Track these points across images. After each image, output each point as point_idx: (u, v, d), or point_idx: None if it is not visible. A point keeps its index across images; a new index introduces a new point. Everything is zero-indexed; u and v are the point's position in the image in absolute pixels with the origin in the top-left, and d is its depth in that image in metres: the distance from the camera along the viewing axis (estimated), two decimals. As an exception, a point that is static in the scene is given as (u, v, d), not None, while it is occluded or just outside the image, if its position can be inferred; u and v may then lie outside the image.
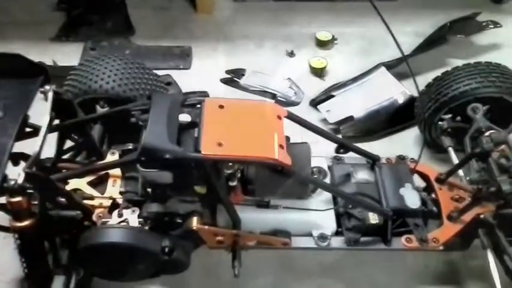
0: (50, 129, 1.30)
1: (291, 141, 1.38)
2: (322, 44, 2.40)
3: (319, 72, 2.25)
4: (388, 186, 1.47)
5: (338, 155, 1.55)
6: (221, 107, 1.29)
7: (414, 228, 1.42)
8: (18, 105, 1.32)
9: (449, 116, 1.75)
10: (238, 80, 2.19)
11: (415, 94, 2.00)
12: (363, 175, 1.51)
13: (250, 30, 2.48)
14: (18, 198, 1.11)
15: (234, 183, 1.32)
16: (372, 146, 1.99)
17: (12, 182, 1.10)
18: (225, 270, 1.37)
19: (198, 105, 1.31)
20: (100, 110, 1.56)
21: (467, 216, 1.45)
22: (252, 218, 1.35)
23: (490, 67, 1.75)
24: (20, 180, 1.10)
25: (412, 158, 1.59)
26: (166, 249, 1.25)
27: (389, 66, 2.18)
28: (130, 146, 1.48)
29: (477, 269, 1.60)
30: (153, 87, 1.68)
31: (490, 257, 1.44)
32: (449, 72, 1.78)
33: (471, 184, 1.54)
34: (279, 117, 1.31)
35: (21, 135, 1.29)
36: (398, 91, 2.05)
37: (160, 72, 2.16)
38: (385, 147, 1.99)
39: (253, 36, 2.45)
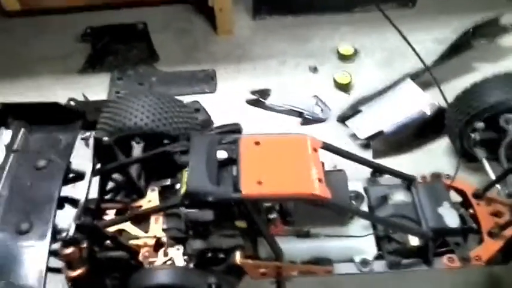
0: (94, 174, 1.34)
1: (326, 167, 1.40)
2: (344, 58, 2.41)
3: (344, 87, 2.26)
4: (426, 206, 1.47)
5: (373, 178, 1.56)
6: (257, 143, 1.31)
7: (455, 248, 1.42)
8: (61, 154, 1.36)
9: (482, 126, 1.74)
10: (263, 100, 2.21)
11: (443, 104, 2.00)
12: (399, 196, 1.51)
13: (271, 48, 2.50)
14: (71, 249, 1.15)
15: (273, 216, 1.35)
16: (403, 159, 2.00)
17: (64, 234, 1.15)
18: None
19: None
20: (137, 148, 1.60)
21: (509, 231, 1.44)
22: (294, 248, 1.37)
23: (519, 77, 1.74)
24: (72, 232, 1.15)
25: (447, 174, 1.59)
26: (213, 286, 1.28)
27: (415, 76, 2.17)
28: (168, 182, 1.52)
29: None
30: (184, 119, 1.71)
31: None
32: (478, 84, 1.77)
33: (509, 198, 1.54)
34: (315, 150, 1.32)
35: (66, 182, 1.34)
36: (425, 103, 2.05)
37: (187, 98, 2.22)
38: (416, 160, 1.99)
39: (275, 54, 2.46)
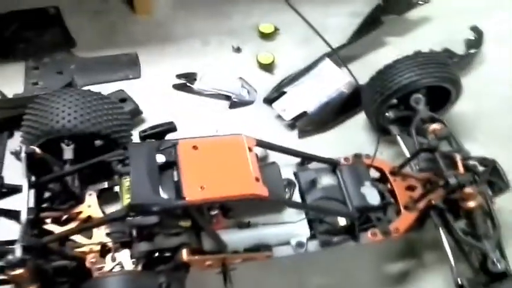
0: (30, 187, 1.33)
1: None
2: (265, 36, 2.46)
3: (267, 67, 2.33)
4: (350, 186, 1.63)
5: (301, 163, 1.68)
6: (195, 147, 1.36)
7: (377, 223, 1.60)
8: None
9: (395, 107, 1.91)
10: (190, 85, 2.23)
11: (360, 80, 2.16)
12: (326, 180, 1.65)
13: (194, 27, 2.49)
14: (19, 271, 1.16)
15: (215, 212, 1.42)
16: (327, 136, 2.14)
17: (11, 257, 1.15)
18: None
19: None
20: (68, 151, 1.58)
21: (421, 204, 1.64)
22: (236, 238, 1.46)
23: (427, 58, 1.91)
24: (19, 254, 1.15)
25: (367, 154, 1.75)
26: (164, 285, 1.34)
27: (335, 53, 2.29)
28: (106, 185, 1.54)
29: (430, 240, 1.82)
30: (114, 116, 1.70)
31: (442, 233, 1.66)
32: (390, 65, 1.92)
33: (421, 172, 1.73)
34: (250, 149, 1.40)
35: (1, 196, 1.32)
36: (343, 82, 2.18)
37: (110, 85, 2.19)
38: (340, 136, 2.14)
39: (198, 34, 2.46)
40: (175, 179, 1.32)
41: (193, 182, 1.29)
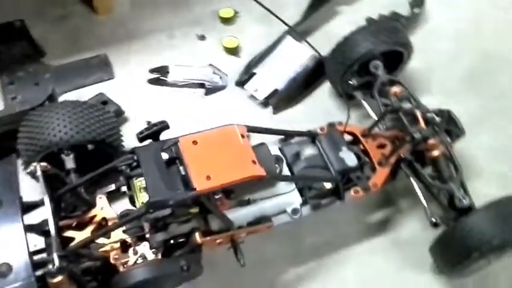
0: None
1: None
2: (226, 21, 2.58)
3: (233, 51, 2.46)
4: (330, 153, 1.83)
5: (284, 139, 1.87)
6: (194, 142, 1.52)
7: (357, 181, 1.82)
8: (8, 191, 1.44)
9: (356, 76, 2.11)
10: (165, 78, 2.34)
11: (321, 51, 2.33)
12: (308, 151, 1.85)
13: (156, 20, 2.57)
14: (59, 278, 1.30)
15: (219, 196, 1.60)
16: (300, 109, 2.32)
17: (50, 266, 1.29)
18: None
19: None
20: (69, 160, 1.71)
21: (392, 159, 1.87)
22: (239, 215, 1.65)
23: (379, 26, 2.11)
24: (57, 263, 1.29)
25: (339, 122, 1.96)
26: (185, 267, 1.52)
27: (293, 31, 2.45)
28: (113, 187, 1.67)
29: (402, 189, 2.05)
30: (104, 122, 1.83)
31: (413, 181, 1.90)
32: (348, 37, 2.10)
33: (388, 131, 1.95)
34: (243, 136, 1.57)
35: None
36: (307, 56, 2.36)
37: (87, 90, 2.28)
38: (311, 107, 2.33)
39: (162, 27, 2.54)
40: (183, 173, 1.48)
41: (199, 173, 1.45)
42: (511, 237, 1.61)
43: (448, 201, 1.84)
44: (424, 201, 1.87)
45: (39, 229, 1.50)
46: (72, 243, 1.48)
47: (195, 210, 1.57)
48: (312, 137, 1.88)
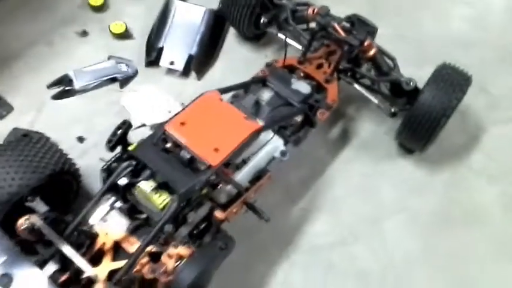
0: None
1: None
2: (99, 9, 2.37)
3: (125, 35, 2.29)
4: (284, 89, 1.87)
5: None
6: (182, 124, 1.43)
7: (318, 104, 1.90)
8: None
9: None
10: (71, 87, 2.10)
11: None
12: (265, 95, 1.86)
13: (26, 32, 2.27)
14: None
15: (219, 166, 1.54)
16: (221, 62, 2.29)
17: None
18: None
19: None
20: (39, 203, 1.49)
21: (333, 78, 1.97)
22: (242, 178, 1.62)
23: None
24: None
25: (274, 59, 1.99)
26: (223, 246, 1.47)
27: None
28: (106, 210, 1.51)
29: (353, 97, 2.19)
30: (52, 150, 1.61)
31: (357, 86, 2.05)
32: None
33: (316, 51, 2.04)
34: (221, 99, 1.52)
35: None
36: (202, 13, 2.30)
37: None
38: (230, 56, 2.32)
39: (36, 37, 2.26)
40: (187, 156, 1.39)
41: (206, 149, 1.39)
42: (461, 95, 1.86)
43: (392, 92, 2.03)
44: (375, 100, 2.04)
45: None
46: (116, 276, 1.32)
47: (205, 190, 1.50)
48: (261, 81, 1.89)
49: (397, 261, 1.86)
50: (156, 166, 1.34)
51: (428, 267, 1.85)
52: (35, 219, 1.28)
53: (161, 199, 1.39)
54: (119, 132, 1.51)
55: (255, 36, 2.30)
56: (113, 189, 1.43)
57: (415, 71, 2.00)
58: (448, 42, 2.44)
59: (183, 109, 1.50)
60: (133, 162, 1.38)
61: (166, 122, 1.45)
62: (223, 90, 1.63)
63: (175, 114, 1.47)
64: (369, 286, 1.81)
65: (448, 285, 1.83)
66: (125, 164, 1.38)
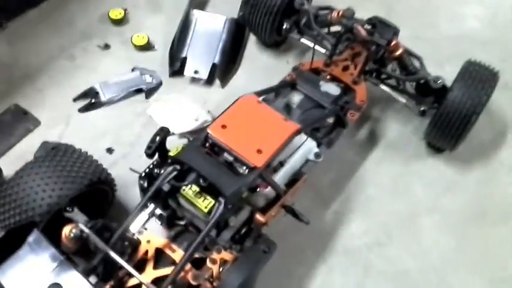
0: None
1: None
2: (119, 22, 2.38)
3: (147, 47, 2.30)
4: (313, 92, 1.88)
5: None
6: (223, 126, 1.42)
7: (348, 105, 1.90)
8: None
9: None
10: (97, 99, 2.11)
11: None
12: (296, 98, 1.87)
13: (47, 47, 2.28)
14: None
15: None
16: (239, 74, 2.29)
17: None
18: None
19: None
20: (77, 213, 1.49)
21: (359, 74, 1.98)
22: (279, 180, 1.61)
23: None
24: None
25: (301, 63, 2.00)
26: (266, 249, 1.45)
27: (193, 4, 2.38)
28: (145, 218, 1.50)
29: (377, 98, 2.19)
30: (88, 160, 1.61)
31: (384, 87, 2.06)
32: None
33: (342, 53, 2.04)
34: (259, 102, 1.52)
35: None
36: (223, 22, 2.32)
37: (22, 146, 1.97)
38: (247, 68, 2.32)
39: (56, 51, 2.27)
40: (230, 159, 1.39)
41: (249, 151, 1.38)
42: (491, 90, 1.86)
43: (418, 91, 2.03)
44: (402, 100, 2.04)
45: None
46: (164, 284, 1.30)
47: (245, 194, 1.49)
48: (290, 85, 1.89)
49: (434, 261, 1.84)
50: (203, 169, 1.34)
51: (466, 265, 1.83)
52: (83, 228, 1.26)
53: (206, 203, 1.39)
54: (158, 139, 1.50)
55: (275, 42, 2.31)
56: (154, 195, 1.42)
57: (437, 70, 2.01)
58: (464, 41, 2.46)
59: (223, 112, 1.49)
60: (178, 167, 1.37)
61: (209, 125, 1.45)
62: (261, 92, 1.63)
63: (216, 118, 1.47)
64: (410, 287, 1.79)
65: (487, 284, 1.81)
66: (170, 168, 1.37)
